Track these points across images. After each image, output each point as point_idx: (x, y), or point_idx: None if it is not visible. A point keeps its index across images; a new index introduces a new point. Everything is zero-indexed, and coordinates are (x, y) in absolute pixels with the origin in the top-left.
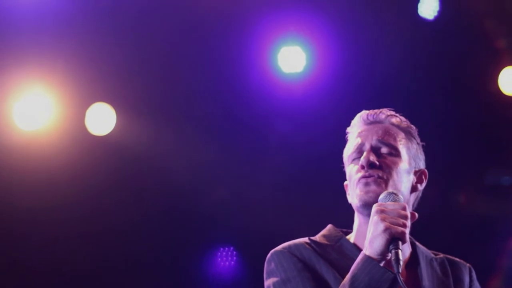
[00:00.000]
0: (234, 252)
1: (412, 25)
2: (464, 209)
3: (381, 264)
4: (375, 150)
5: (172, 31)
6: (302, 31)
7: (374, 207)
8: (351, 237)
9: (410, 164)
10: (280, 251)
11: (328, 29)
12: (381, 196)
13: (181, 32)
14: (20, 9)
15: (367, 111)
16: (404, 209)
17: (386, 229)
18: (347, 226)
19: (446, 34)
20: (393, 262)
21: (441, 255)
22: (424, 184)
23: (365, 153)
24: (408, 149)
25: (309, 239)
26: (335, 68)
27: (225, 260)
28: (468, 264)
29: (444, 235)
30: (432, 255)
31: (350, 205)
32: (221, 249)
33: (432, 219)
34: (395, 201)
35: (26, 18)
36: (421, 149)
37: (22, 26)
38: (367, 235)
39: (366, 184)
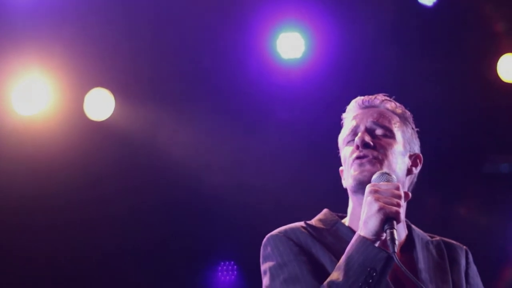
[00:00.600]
0: (235, 267)
1: (411, 11)
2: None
3: (376, 244)
4: (370, 131)
5: (171, 16)
6: (301, 17)
7: (368, 188)
8: (346, 221)
9: (405, 147)
10: (276, 235)
11: (326, 15)
12: (374, 177)
13: (180, 18)
14: None
15: (362, 97)
16: (397, 188)
17: (380, 209)
18: (343, 210)
19: (445, 20)
20: (389, 242)
21: (438, 238)
22: (419, 168)
23: (359, 134)
24: (403, 132)
25: (305, 223)
26: (334, 54)
27: (226, 274)
28: (464, 247)
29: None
30: (428, 237)
31: (346, 191)
32: (222, 263)
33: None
34: (388, 181)
35: (23, 3)
36: (416, 135)
37: (19, 11)
38: (361, 216)
39: (361, 164)
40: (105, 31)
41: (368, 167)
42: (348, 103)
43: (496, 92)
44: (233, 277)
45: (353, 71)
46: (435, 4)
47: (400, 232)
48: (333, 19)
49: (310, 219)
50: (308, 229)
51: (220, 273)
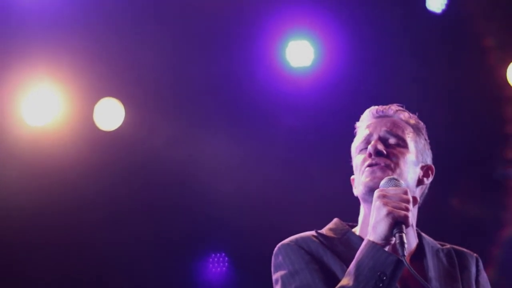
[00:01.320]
0: (226, 258)
1: (420, 18)
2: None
3: (386, 249)
4: (383, 140)
5: (180, 25)
6: (310, 26)
7: (376, 193)
8: (357, 230)
9: (417, 157)
10: (287, 244)
11: (335, 23)
12: (382, 182)
13: (190, 26)
14: (28, 6)
15: (376, 106)
16: (405, 193)
17: (389, 213)
18: (354, 221)
19: (454, 27)
20: (398, 246)
21: (448, 246)
22: (430, 179)
23: (372, 142)
24: (416, 142)
25: (316, 232)
26: (343, 62)
27: (217, 266)
28: (475, 254)
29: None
30: (439, 245)
31: (356, 200)
32: (213, 255)
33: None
34: (396, 186)
35: (33, 14)
36: (428, 146)
37: (29, 22)
38: (370, 221)
39: (372, 171)
40: (115, 41)
41: (379, 174)
42: (356, 111)
43: (505, 100)
44: (224, 268)
45: (361, 79)
46: (444, 12)
47: (411, 240)
48: (342, 27)
49: (318, 226)
50: (319, 238)
51: (211, 265)
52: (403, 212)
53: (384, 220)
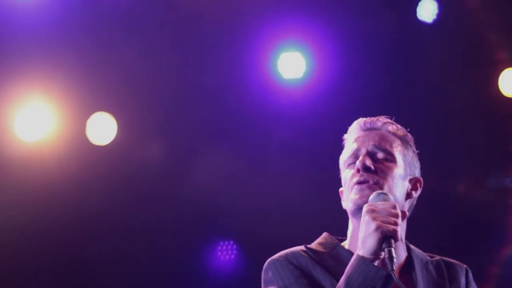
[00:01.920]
0: (234, 246)
1: (412, 28)
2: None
3: (375, 263)
4: (371, 155)
5: (172, 38)
6: (301, 37)
7: (365, 207)
8: (346, 244)
9: (405, 171)
10: (277, 259)
11: (327, 34)
12: (371, 197)
13: (181, 39)
14: (20, 20)
15: (364, 118)
16: (394, 207)
17: (378, 228)
18: (343, 230)
19: (446, 36)
20: (387, 260)
21: (437, 257)
22: (418, 192)
23: (360, 157)
24: (404, 156)
25: (305, 246)
26: (335, 74)
27: (225, 254)
28: (464, 265)
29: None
30: (428, 257)
31: (345, 212)
32: (221, 243)
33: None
34: (385, 200)
35: (26, 28)
36: (417, 158)
37: (21, 37)
38: (359, 235)
39: (361, 189)
40: (105, 56)
41: (367, 192)
42: (349, 123)
43: (497, 107)
44: (232, 256)
45: (354, 90)
46: (435, 21)
47: (400, 253)
48: (333, 39)
49: (309, 236)
50: (309, 252)
51: (219, 253)
52: (392, 227)
53: (373, 235)
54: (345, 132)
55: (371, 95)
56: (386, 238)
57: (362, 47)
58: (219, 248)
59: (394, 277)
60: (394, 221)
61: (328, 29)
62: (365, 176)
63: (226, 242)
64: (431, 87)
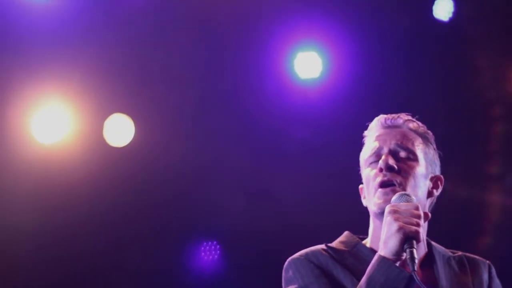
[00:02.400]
0: (218, 246)
1: (428, 27)
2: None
3: (397, 264)
4: (393, 154)
5: (189, 39)
6: (318, 37)
7: (387, 208)
8: (367, 242)
9: (427, 169)
10: (297, 258)
11: (343, 34)
12: (393, 198)
13: (198, 40)
14: (37, 22)
15: (385, 115)
16: (417, 208)
17: (400, 229)
18: (363, 230)
19: (462, 35)
20: (408, 261)
21: (460, 253)
22: (439, 190)
23: (383, 156)
24: (425, 154)
25: (326, 245)
26: (351, 73)
27: (208, 254)
28: (487, 261)
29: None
30: (450, 253)
31: (365, 209)
32: (205, 243)
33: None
34: (407, 201)
35: (43, 30)
36: (437, 155)
37: (38, 38)
38: (381, 236)
39: (385, 193)
40: (123, 57)
41: (391, 196)
42: (366, 122)
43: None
44: (216, 256)
45: (370, 89)
46: (450, 20)
47: (420, 250)
48: (349, 38)
49: (328, 237)
50: (329, 251)
51: (202, 253)
52: (414, 228)
53: (395, 236)
54: (362, 131)
55: (387, 95)
56: (408, 239)
57: (378, 47)
58: (202, 248)
59: (416, 279)
60: (416, 222)
61: (344, 29)
62: (389, 175)
63: (210, 243)
64: (448, 86)
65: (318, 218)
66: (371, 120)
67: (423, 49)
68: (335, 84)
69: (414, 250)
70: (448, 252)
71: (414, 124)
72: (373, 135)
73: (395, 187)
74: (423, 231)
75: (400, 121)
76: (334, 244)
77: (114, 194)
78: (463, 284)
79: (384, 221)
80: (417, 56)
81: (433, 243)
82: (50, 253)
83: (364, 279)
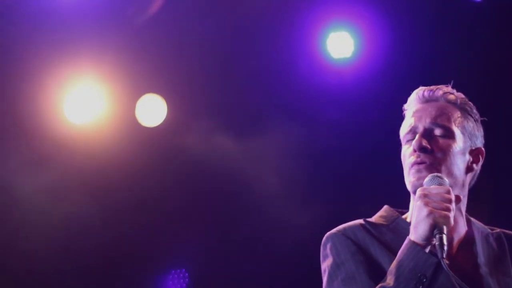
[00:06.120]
0: (186, 274)
1: (461, 6)
2: None
3: (427, 249)
4: (428, 132)
5: (221, 21)
6: (350, 17)
7: (418, 192)
8: (408, 216)
9: (465, 143)
10: (335, 234)
11: (375, 14)
12: (426, 179)
13: (230, 22)
14: (71, 3)
15: (423, 88)
16: (448, 192)
17: (430, 214)
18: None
19: (494, 15)
20: (437, 247)
21: (498, 230)
22: (480, 163)
23: (417, 137)
24: (463, 128)
25: (364, 220)
26: (383, 52)
27: (177, 282)
28: None
29: None
30: (489, 230)
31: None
32: (173, 271)
33: None
34: (440, 184)
35: (77, 12)
36: (479, 126)
37: (71, 19)
38: (412, 220)
39: (418, 170)
40: (156, 37)
41: (424, 173)
42: (398, 101)
43: None
44: (184, 285)
45: (403, 68)
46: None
47: (460, 227)
48: (381, 18)
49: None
50: (367, 226)
51: (170, 281)
52: (444, 213)
53: (424, 221)
54: (395, 111)
55: (419, 74)
56: (438, 224)
57: (410, 26)
58: (171, 276)
59: (444, 265)
60: (446, 206)
61: (376, 9)
62: (422, 157)
63: (178, 270)
64: (480, 65)
65: (354, 197)
66: (403, 99)
67: (455, 28)
68: (367, 63)
69: (444, 236)
70: (486, 228)
71: (452, 96)
72: (411, 110)
73: (428, 164)
74: (462, 205)
75: (439, 93)
76: (374, 218)
77: (146, 174)
78: (501, 261)
79: (414, 205)
80: (450, 35)
81: (472, 219)
82: (83, 232)
83: (394, 263)
